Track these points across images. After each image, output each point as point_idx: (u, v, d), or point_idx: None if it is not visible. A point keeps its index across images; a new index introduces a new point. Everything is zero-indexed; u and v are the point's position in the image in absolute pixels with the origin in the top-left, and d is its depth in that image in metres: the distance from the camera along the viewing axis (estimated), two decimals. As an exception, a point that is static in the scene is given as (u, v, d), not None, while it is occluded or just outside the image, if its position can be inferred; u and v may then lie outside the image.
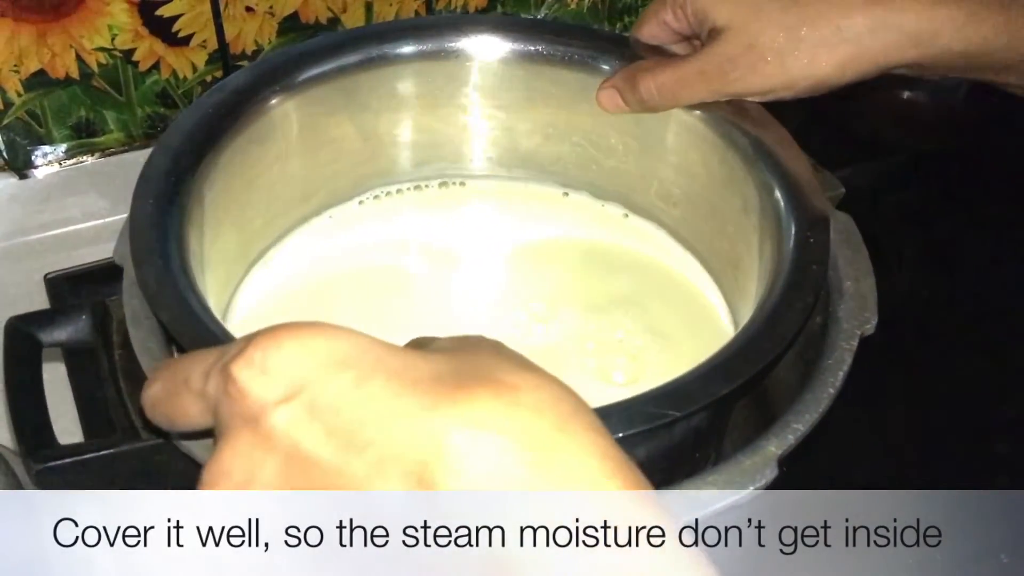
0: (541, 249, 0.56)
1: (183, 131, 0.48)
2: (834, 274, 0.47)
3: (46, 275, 0.66)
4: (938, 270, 0.72)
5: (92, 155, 0.71)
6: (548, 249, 0.56)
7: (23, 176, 0.70)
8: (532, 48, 0.53)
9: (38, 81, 0.67)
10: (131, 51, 0.68)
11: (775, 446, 0.40)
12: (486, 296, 0.54)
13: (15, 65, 0.66)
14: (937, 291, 0.70)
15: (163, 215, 0.44)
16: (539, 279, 0.55)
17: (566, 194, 0.58)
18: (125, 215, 0.45)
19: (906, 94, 0.75)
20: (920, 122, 0.76)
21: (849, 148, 0.75)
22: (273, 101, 0.51)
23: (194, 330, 0.40)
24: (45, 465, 0.40)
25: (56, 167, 0.71)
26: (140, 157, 0.47)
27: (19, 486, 0.54)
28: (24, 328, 0.45)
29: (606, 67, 0.52)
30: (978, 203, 0.75)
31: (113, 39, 0.67)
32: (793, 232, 0.44)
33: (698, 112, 0.50)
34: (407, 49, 0.53)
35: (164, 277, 0.41)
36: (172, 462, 0.42)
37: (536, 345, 0.50)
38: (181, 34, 0.69)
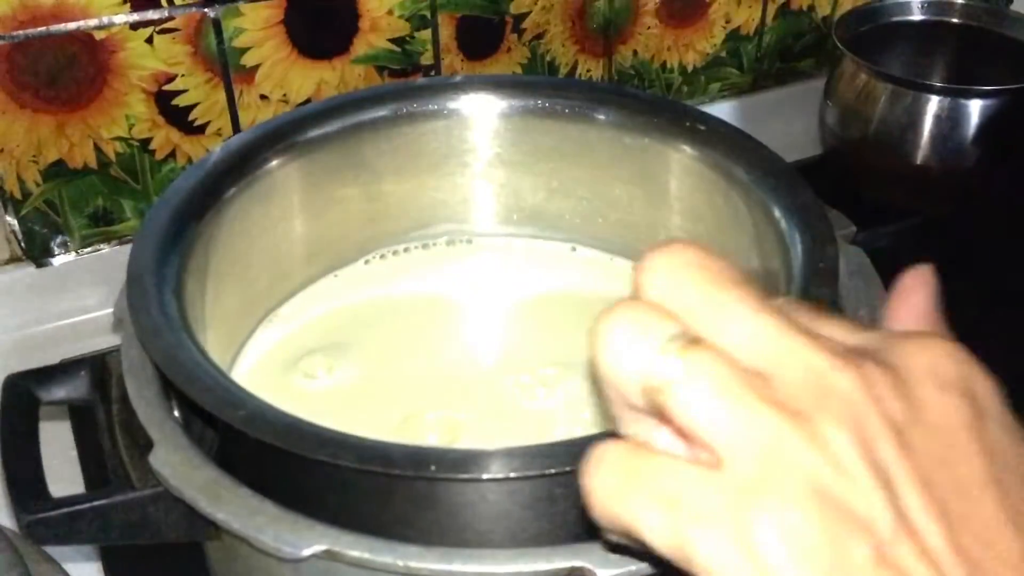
0: (549, 304, 0.55)
1: (185, 188, 0.48)
2: (848, 304, 0.46)
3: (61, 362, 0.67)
4: (953, 330, 0.70)
5: (109, 243, 0.72)
6: (556, 305, 0.55)
7: (40, 265, 0.71)
8: (531, 103, 0.53)
9: (56, 171, 0.68)
10: (148, 140, 0.70)
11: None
12: (493, 354, 0.53)
13: (34, 155, 0.67)
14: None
15: (162, 266, 0.44)
16: (546, 338, 0.54)
17: (574, 249, 0.57)
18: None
19: (918, 160, 0.74)
20: (932, 187, 0.75)
21: (861, 213, 0.74)
22: (275, 161, 0.51)
23: (189, 372, 0.39)
24: (36, 517, 0.39)
25: (73, 255, 0.71)
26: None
27: (23, 565, 0.52)
28: (22, 384, 0.44)
29: (602, 117, 0.52)
30: (991, 269, 0.74)
31: (130, 128, 0.69)
32: (801, 256, 0.43)
33: (696, 152, 0.50)
34: (407, 110, 0.53)
35: (160, 322, 0.41)
36: (167, 513, 0.41)
37: (533, 409, 0.49)
38: (197, 122, 0.70)
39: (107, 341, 0.67)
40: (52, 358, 0.67)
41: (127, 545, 0.43)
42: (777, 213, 0.46)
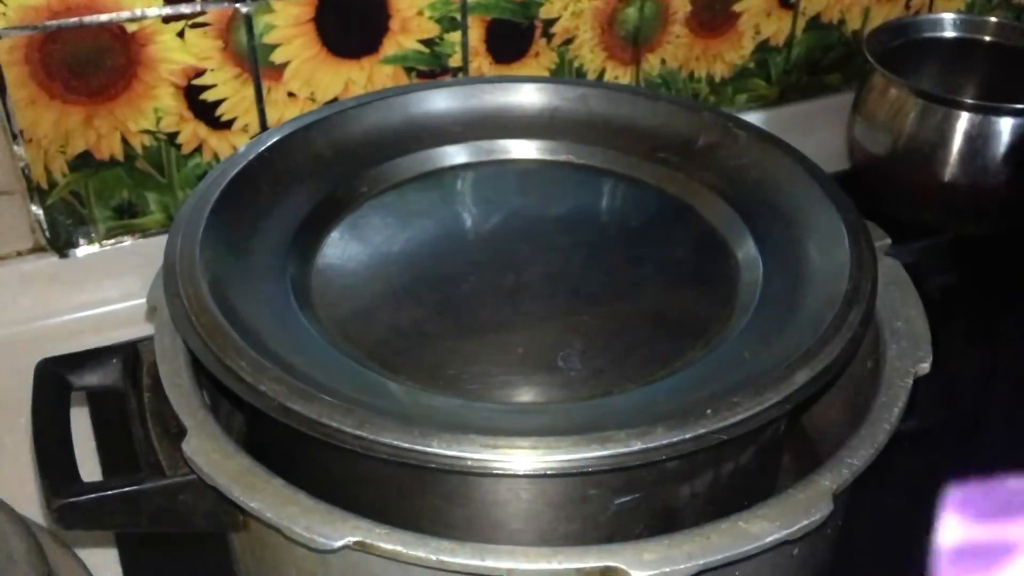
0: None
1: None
2: (884, 314, 0.45)
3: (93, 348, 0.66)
4: (980, 351, 0.70)
5: (132, 236, 0.72)
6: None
7: (63, 255, 0.71)
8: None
9: (83, 162, 0.68)
10: (175, 134, 0.70)
11: (829, 480, 0.38)
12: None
13: (62, 146, 0.67)
14: (979, 371, 0.68)
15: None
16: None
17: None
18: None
19: (946, 177, 0.74)
20: (960, 205, 0.75)
21: (887, 229, 0.74)
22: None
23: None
24: (67, 501, 0.39)
25: (96, 247, 0.71)
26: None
27: (42, 554, 0.52)
28: (55, 370, 0.44)
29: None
30: (1019, 287, 0.74)
31: (158, 122, 0.69)
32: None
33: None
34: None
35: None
36: (197, 501, 0.40)
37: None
38: (224, 118, 0.70)
39: (128, 334, 0.67)
40: (72, 349, 0.67)
41: (146, 534, 0.42)
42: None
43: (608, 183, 0.53)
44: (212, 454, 0.38)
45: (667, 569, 0.36)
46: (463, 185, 0.52)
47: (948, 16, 0.79)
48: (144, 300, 0.70)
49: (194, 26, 0.67)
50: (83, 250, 0.71)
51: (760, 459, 0.43)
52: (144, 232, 0.72)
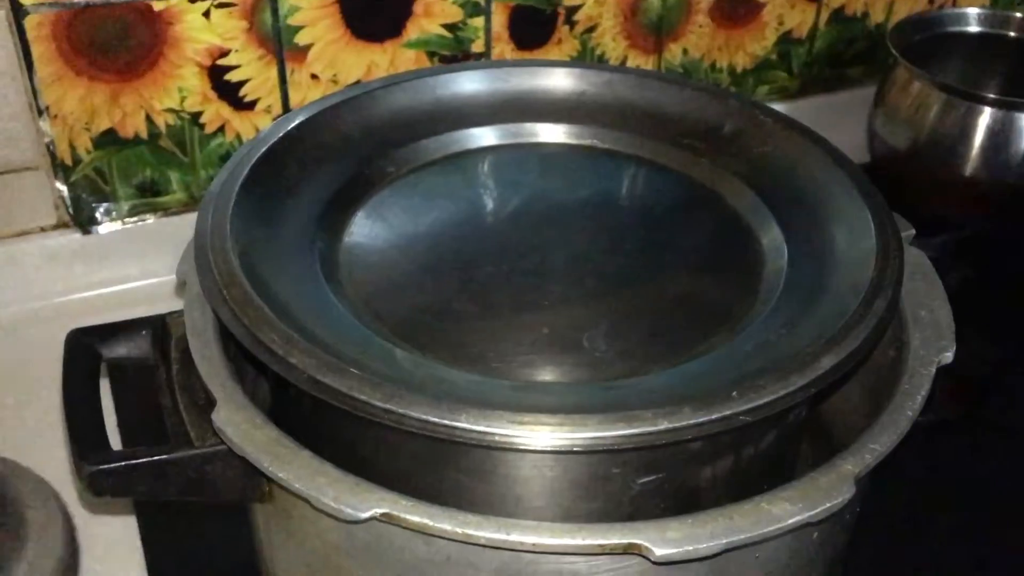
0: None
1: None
2: (908, 304, 0.46)
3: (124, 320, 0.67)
4: (997, 347, 0.70)
5: (154, 214, 0.72)
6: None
7: (87, 232, 0.71)
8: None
9: (107, 139, 0.69)
10: (199, 113, 0.70)
11: (852, 464, 0.39)
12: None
13: (87, 123, 0.68)
14: (995, 367, 0.68)
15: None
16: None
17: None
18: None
19: (968, 171, 0.74)
20: (980, 200, 0.75)
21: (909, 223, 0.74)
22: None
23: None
24: (97, 468, 0.40)
25: (119, 224, 0.72)
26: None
27: (67, 516, 0.53)
28: (86, 340, 0.45)
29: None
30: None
31: (182, 101, 0.69)
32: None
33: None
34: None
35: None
36: (224, 471, 0.41)
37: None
38: (247, 98, 0.71)
39: (149, 311, 0.67)
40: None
41: (166, 504, 0.43)
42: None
43: (634, 168, 0.53)
44: (242, 425, 0.39)
45: (689, 548, 0.36)
46: (489, 167, 0.53)
47: (972, 11, 0.79)
48: (165, 278, 0.72)
49: (220, 6, 0.67)
50: (106, 227, 0.72)
51: (781, 445, 0.43)
52: (166, 211, 0.73)
